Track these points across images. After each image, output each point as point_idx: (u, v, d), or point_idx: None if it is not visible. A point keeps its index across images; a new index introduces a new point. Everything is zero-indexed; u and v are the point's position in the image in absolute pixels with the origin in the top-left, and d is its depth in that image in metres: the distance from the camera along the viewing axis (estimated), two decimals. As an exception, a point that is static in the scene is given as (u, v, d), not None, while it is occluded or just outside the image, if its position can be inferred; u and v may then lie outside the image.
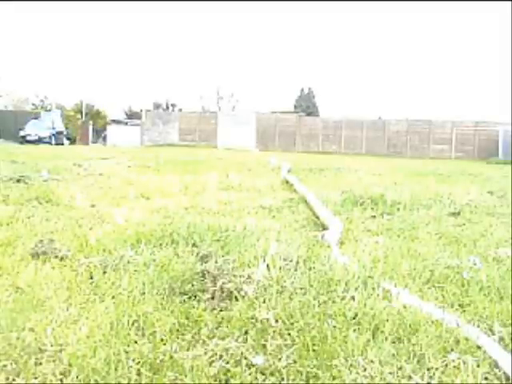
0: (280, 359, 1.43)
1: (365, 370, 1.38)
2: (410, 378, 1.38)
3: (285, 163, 9.23)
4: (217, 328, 1.60)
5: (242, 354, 1.45)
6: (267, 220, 3.66)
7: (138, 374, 1.33)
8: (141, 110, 39.07)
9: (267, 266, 2.27)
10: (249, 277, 2.06)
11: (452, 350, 1.54)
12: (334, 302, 1.88)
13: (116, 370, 1.33)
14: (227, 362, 1.41)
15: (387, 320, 1.72)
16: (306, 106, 44.57)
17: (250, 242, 2.74)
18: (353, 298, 1.94)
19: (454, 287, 2.15)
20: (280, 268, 2.26)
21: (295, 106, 45.39)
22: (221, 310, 1.78)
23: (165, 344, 1.49)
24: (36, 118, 31.68)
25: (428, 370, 1.42)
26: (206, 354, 1.44)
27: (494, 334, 1.67)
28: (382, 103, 59.54)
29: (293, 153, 24.35)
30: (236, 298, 1.88)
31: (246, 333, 1.57)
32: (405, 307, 1.85)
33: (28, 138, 28.06)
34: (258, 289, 1.98)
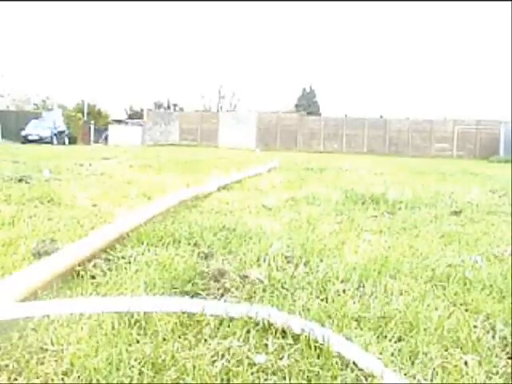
0: (282, 358, 1.43)
1: (367, 368, 1.38)
2: (412, 377, 1.38)
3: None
4: (218, 327, 1.60)
5: (243, 352, 1.45)
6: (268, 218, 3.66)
7: (140, 373, 1.33)
8: (142, 110, 39.10)
9: (268, 264, 2.27)
10: (250, 276, 2.07)
11: (454, 348, 1.54)
12: (334, 300, 1.88)
13: (118, 369, 1.33)
14: (229, 361, 1.41)
15: (389, 319, 1.72)
16: (308, 104, 44.54)
17: (252, 240, 2.74)
18: (354, 296, 1.94)
19: (456, 286, 2.15)
20: (281, 267, 2.26)
21: (296, 105, 45.37)
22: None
23: (167, 343, 1.49)
24: (37, 118, 31.68)
25: (429, 368, 1.42)
26: (207, 353, 1.44)
27: (495, 333, 1.67)
28: (384, 102, 59.55)
29: (294, 152, 24.31)
30: (237, 297, 1.88)
31: (248, 332, 1.57)
32: (407, 306, 1.85)
33: (29, 137, 28.11)
34: (259, 288, 1.98)
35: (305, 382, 1.34)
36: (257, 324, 1.61)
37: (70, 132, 32.42)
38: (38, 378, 1.30)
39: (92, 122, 39.03)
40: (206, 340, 1.53)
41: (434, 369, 1.43)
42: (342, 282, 2.11)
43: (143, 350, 1.43)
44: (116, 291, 1.91)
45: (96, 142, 36.74)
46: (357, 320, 1.73)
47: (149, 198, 4.53)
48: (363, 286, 2.07)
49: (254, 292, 1.95)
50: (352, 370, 1.38)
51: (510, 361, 1.50)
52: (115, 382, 1.29)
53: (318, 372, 1.37)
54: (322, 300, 1.90)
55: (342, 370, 1.38)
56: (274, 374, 1.37)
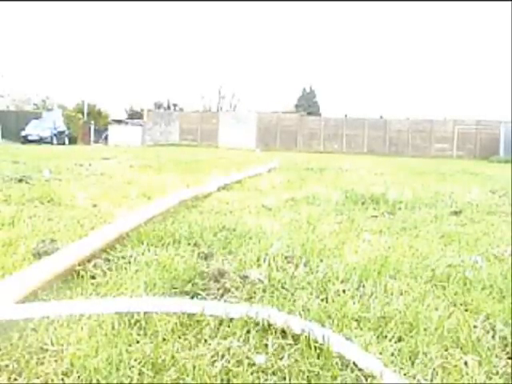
0: (281, 358, 1.43)
1: (367, 368, 1.38)
2: (412, 377, 1.38)
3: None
4: (218, 328, 1.60)
5: (243, 353, 1.45)
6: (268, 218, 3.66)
7: (140, 373, 1.33)
8: (142, 110, 39.10)
9: (268, 264, 2.27)
10: (250, 276, 2.07)
11: (454, 348, 1.54)
12: (334, 300, 1.88)
13: (118, 369, 1.33)
14: (229, 362, 1.41)
15: (389, 319, 1.72)
16: (308, 105, 44.52)
17: (252, 240, 2.74)
18: (354, 296, 1.94)
19: (456, 286, 2.14)
20: (281, 267, 2.26)
21: (296, 106, 45.36)
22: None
23: (167, 344, 1.49)
24: (37, 118, 31.69)
25: (429, 368, 1.42)
26: (207, 353, 1.44)
27: (495, 333, 1.67)
28: (384, 102, 59.61)
29: (294, 152, 24.30)
30: (237, 297, 1.88)
31: (248, 332, 1.57)
32: (407, 306, 1.85)
33: (29, 137, 28.15)
34: (259, 288, 1.98)
35: (305, 382, 1.34)
36: (257, 324, 1.61)
37: (70, 132, 32.42)
38: (38, 378, 1.30)
39: (92, 122, 39.05)
40: (205, 340, 1.53)
41: (434, 369, 1.42)
42: (342, 282, 2.11)
43: (143, 351, 1.43)
44: (116, 291, 1.91)
45: (96, 142, 36.76)
46: (357, 320, 1.72)
47: (149, 198, 4.53)
48: (363, 286, 2.07)
49: (254, 292, 1.95)
50: (352, 370, 1.38)
51: (509, 361, 1.50)
52: (115, 382, 1.29)
53: (318, 372, 1.37)
54: (322, 300, 1.90)
55: (342, 370, 1.38)
56: (274, 374, 1.37)
